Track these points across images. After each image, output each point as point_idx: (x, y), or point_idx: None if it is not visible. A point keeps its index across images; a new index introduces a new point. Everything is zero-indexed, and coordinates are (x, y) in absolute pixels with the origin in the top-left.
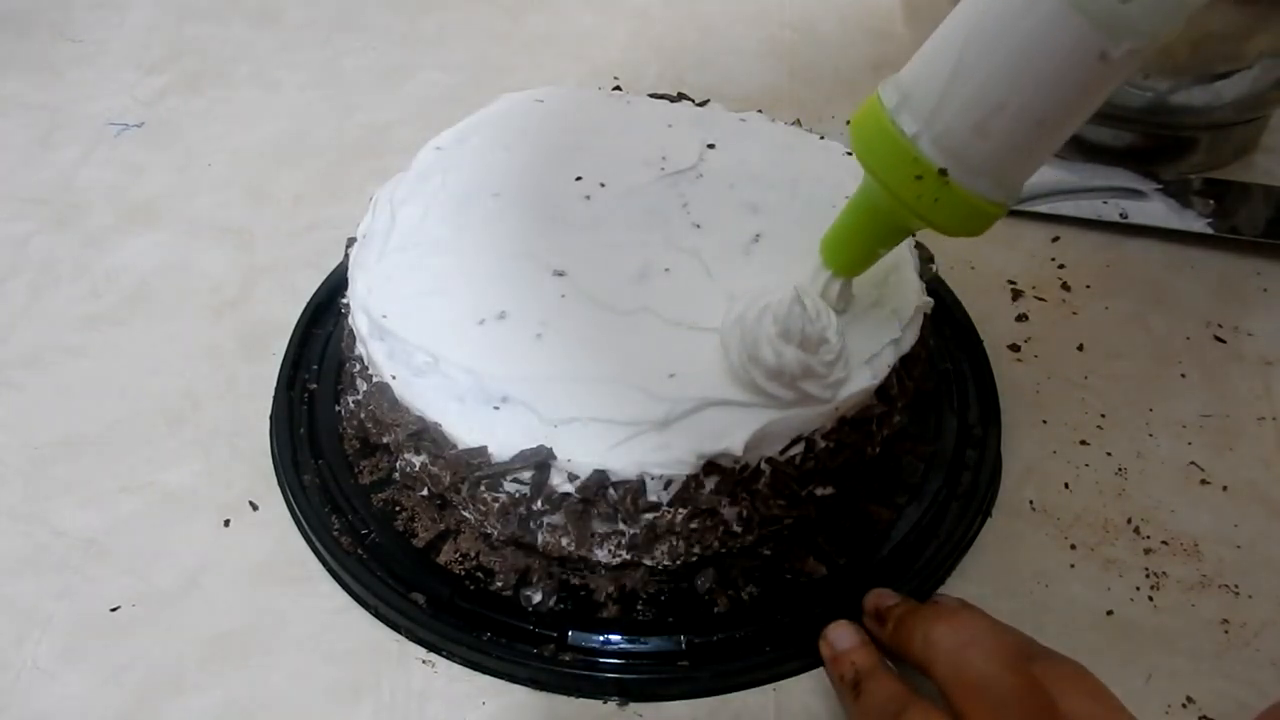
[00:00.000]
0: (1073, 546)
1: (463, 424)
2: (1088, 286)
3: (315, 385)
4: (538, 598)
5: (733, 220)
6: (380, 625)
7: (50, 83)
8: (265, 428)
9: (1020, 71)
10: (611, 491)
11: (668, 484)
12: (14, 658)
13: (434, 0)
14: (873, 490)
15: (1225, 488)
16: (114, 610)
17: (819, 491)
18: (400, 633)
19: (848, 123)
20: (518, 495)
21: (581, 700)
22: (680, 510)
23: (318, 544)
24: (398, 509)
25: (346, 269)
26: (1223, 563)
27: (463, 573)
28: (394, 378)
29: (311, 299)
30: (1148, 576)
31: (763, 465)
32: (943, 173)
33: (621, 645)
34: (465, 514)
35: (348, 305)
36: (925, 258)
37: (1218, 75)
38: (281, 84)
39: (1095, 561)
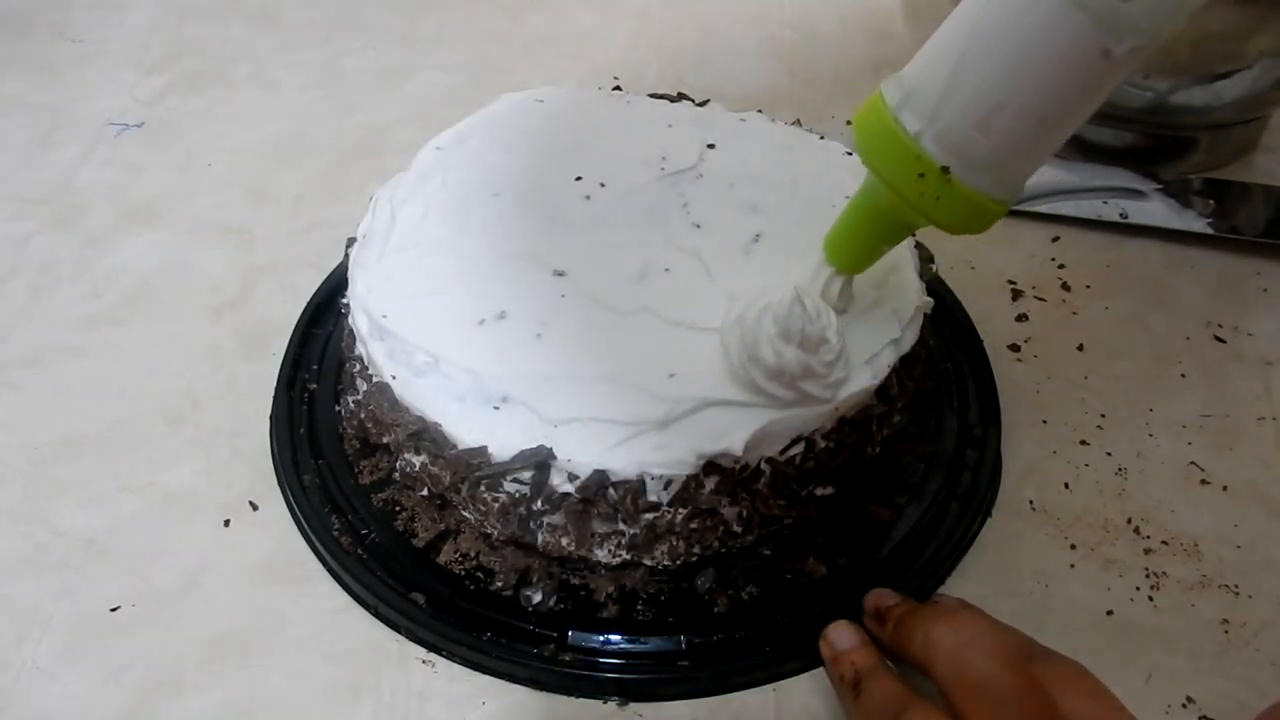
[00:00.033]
0: (1073, 546)
1: (463, 424)
2: (1088, 286)
3: (315, 385)
4: (538, 598)
5: (733, 220)
6: (380, 625)
7: (50, 83)
8: (265, 428)
9: (1021, 69)
10: (611, 491)
11: (668, 484)
12: (14, 658)
13: (434, 0)
14: (873, 490)
15: (1225, 488)
16: (114, 610)
17: (819, 491)
18: (400, 633)
19: (848, 122)
20: (518, 495)
21: (581, 700)
22: (680, 510)
23: (318, 544)
24: (398, 509)
25: (346, 269)
26: (1223, 563)
27: (463, 573)
28: (394, 378)
29: (311, 299)
30: (1148, 576)
31: (763, 465)
32: (945, 170)
33: (621, 645)
34: (465, 514)
35: (348, 305)
36: (925, 258)
37: (1218, 75)
38: (281, 84)
39: (1095, 561)
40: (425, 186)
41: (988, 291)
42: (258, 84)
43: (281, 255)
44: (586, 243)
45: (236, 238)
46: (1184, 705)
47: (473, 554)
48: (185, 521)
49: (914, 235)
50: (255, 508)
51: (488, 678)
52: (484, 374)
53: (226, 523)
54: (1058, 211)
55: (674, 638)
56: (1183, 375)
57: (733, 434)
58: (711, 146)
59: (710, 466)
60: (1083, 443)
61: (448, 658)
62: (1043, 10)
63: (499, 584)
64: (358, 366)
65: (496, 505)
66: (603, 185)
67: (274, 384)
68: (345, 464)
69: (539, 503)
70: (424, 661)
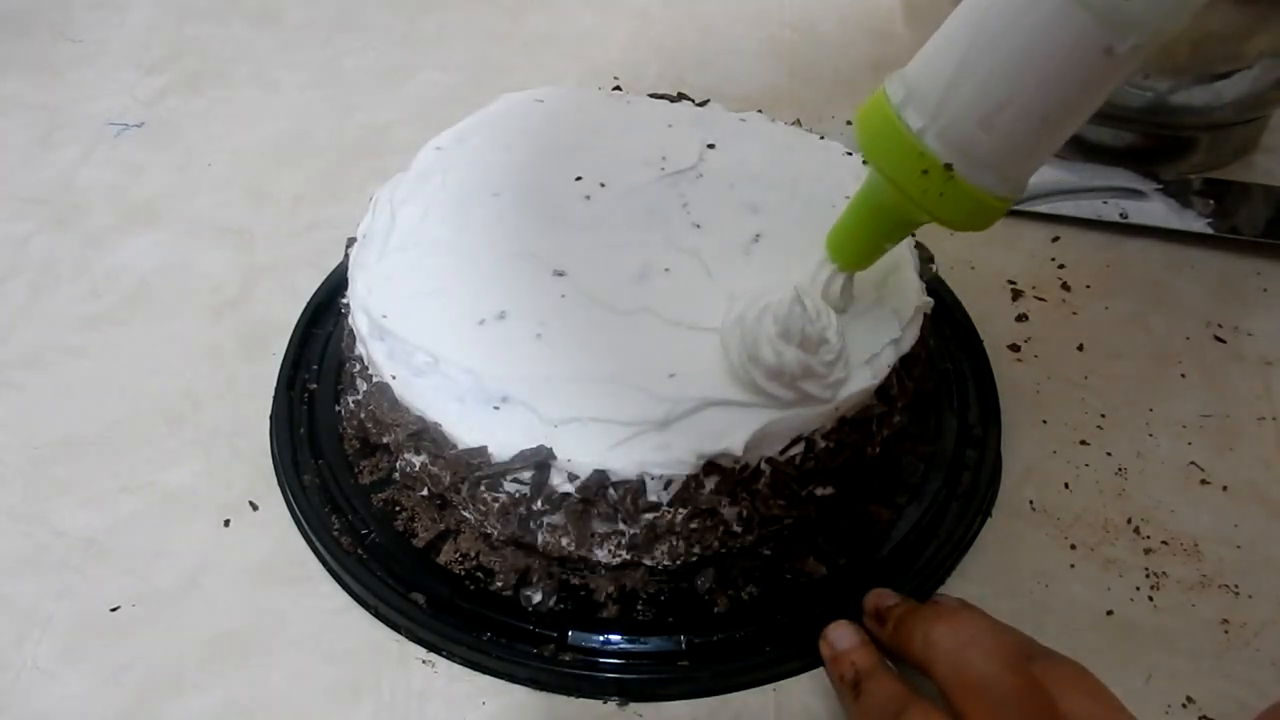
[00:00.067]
0: (1073, 546)
1: (463, 424)
2: (1088, 286)
3: (315, 385)
4: (538, 598)
5: (733, 220)
6: (380, 625)
7: (50, 83)
8: (265, 428)
9: (1024, 67)
10: (611, 491)
11: (668, 484)
12: (14, 658)
13: (434, 0)
14: (873, 490)
15: (1225, 488)
16: (114, 610)
17: (819, 491)
18: (400, 633)
19: (848, 123)
20: (518, 495)
21: (581, 700)
22: (680, 510)
23: (318, 544)
24: (398, 509)
25: (346, 269)
26: (1223, 563)
27: (463, 573)
28: (394, 378)
29: (311, 299)
30: (1148, 576)
31: (763, 465)
32: (948, 167)
33: (621, 645)
34: (465, 514)
35: (348, 305)
36: (925, 258)
37: (1218, 75)
38: (281, 84)
39: (1095, 561)
40: (425, 186)
41: (988, 291)
42: (258, 84)
43: (281, 255)
44: (586, 243)
45: (236, 238)
46: (1184, 705)
47: (473, 554)
48: (185, 521)
49: (914, 235)
50: (255, 508)
51: (488, 678)
52: (484, 374)
53: (226, 523)
54: (1058, 211)
55: (674, 638)
56: (1183, 375)
57: (733, 434)
58: (711, 146)
59: (710, 466)
60: (1083, 443)
61: (448, 658)
62: (1045, 8)
63: (499, 584)
64: (358, 366)
65: (496, 505)
66: (603, 185)
67: (274, 384)
68: (345, 464)
69: (539, 503)
70: (424, 661)
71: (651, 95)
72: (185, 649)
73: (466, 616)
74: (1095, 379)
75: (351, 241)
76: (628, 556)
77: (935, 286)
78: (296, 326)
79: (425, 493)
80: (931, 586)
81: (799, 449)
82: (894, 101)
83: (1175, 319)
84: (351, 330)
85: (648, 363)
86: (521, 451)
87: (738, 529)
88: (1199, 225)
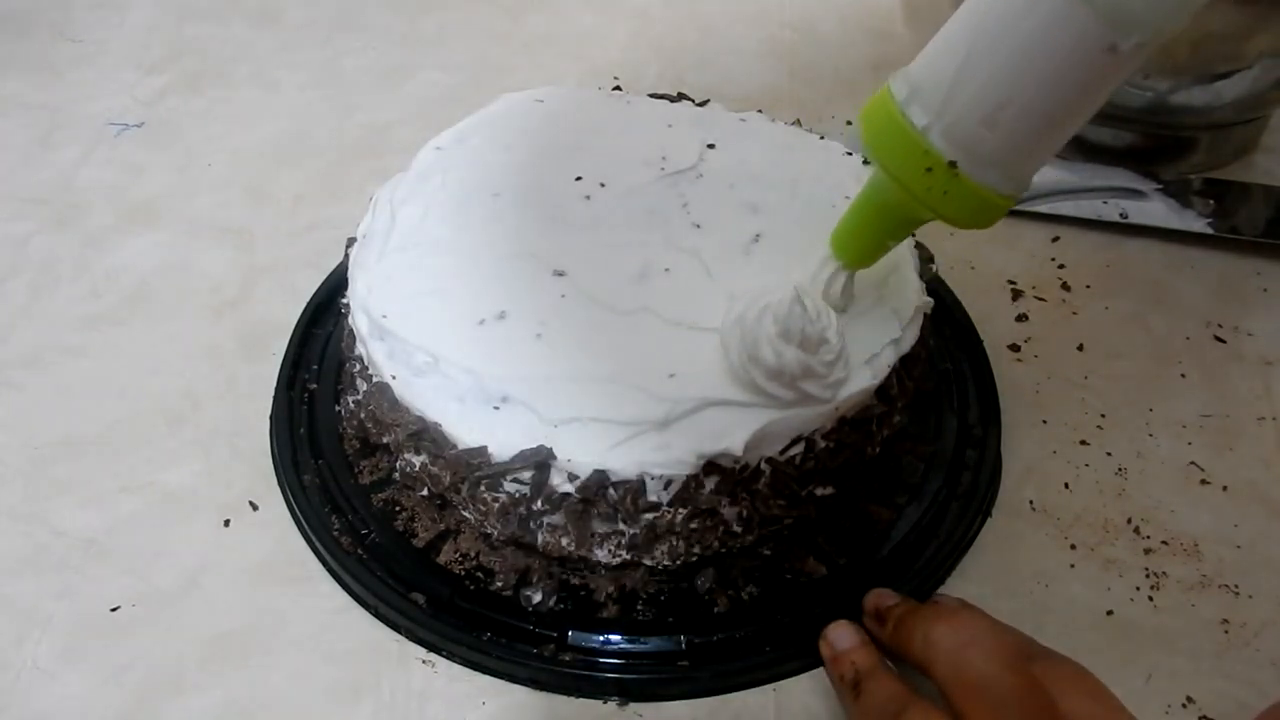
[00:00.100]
0: (1073, 546)
1: (463, 424)
2: (1088, 286)
3: (315, 385)
4: (538, 598)
5: (733, 220)
6: (380, 625)
7: (50, 83)
8: (265, 428)
9: (1027, 65)
10: (611, 491)
11: (668, 484)
12: (14, 658)
13: (434, 0)
14: (873, 490)
15: (1225, 488)
16: (114, 610)
17: (819, 491)
18: (400, 633)
19: (848, 122)
20: (518, 495)
21: (581, 700)
22: (680, 510)
23: (318, 544)
24: (398, 509)
25: (346, 269)
26: (1223, 563)
27: (463, 573)
28: (394, 378)
29: (311, 299)
30: (1148, 576)
31: (763, 465)
32: (952, 165)
33: (621, 645)
34: (465, 514)
35: (348, 305)
36: (925, 258)
37: (1218, 75)
38: (281, 84)
39: (1095, 561)
40: (425, 186)
41: (988, 291)
42: (258, 84)
43: (281, 255)
44: (586, 243)
45: (236, 238)
46: (1184, 705)
47: (473, 554)
48: (185, 521)
49: (914, 235)
50: (255, 508)
51: (488, 678)
52: (484, 374)
53: (226, 523)
54: (1058, 211)
55: (674, 638)
56: (1183, 375)
57: (733, 434)
58: (711, 146)
59: (710, 466)
60: (1083, 443)
61: (448, 658)
62: (1047, 7)
63: (499, 584)
64: (358, 366)
65: (496, 505)
66: (603, 185)
67: (274, 384)
68: (345, 464)
69: (539, 503)
70: (424, 661)
71: (651, 95)
72: (185, 649)
73: (466, 616)
74: (1095, 379)
75: (351, 241)
76: (628, 556)
77: (935, 286)
78: (296, 326)
79: (425, 493)
80: (931, 586)
81: (799, 449)
82: (898, 99)
83: (1175, 319)
84: (351, 330)
85: (648, 363)
86: (521, 451)
87: (738, 529)
88: (1199, 225)
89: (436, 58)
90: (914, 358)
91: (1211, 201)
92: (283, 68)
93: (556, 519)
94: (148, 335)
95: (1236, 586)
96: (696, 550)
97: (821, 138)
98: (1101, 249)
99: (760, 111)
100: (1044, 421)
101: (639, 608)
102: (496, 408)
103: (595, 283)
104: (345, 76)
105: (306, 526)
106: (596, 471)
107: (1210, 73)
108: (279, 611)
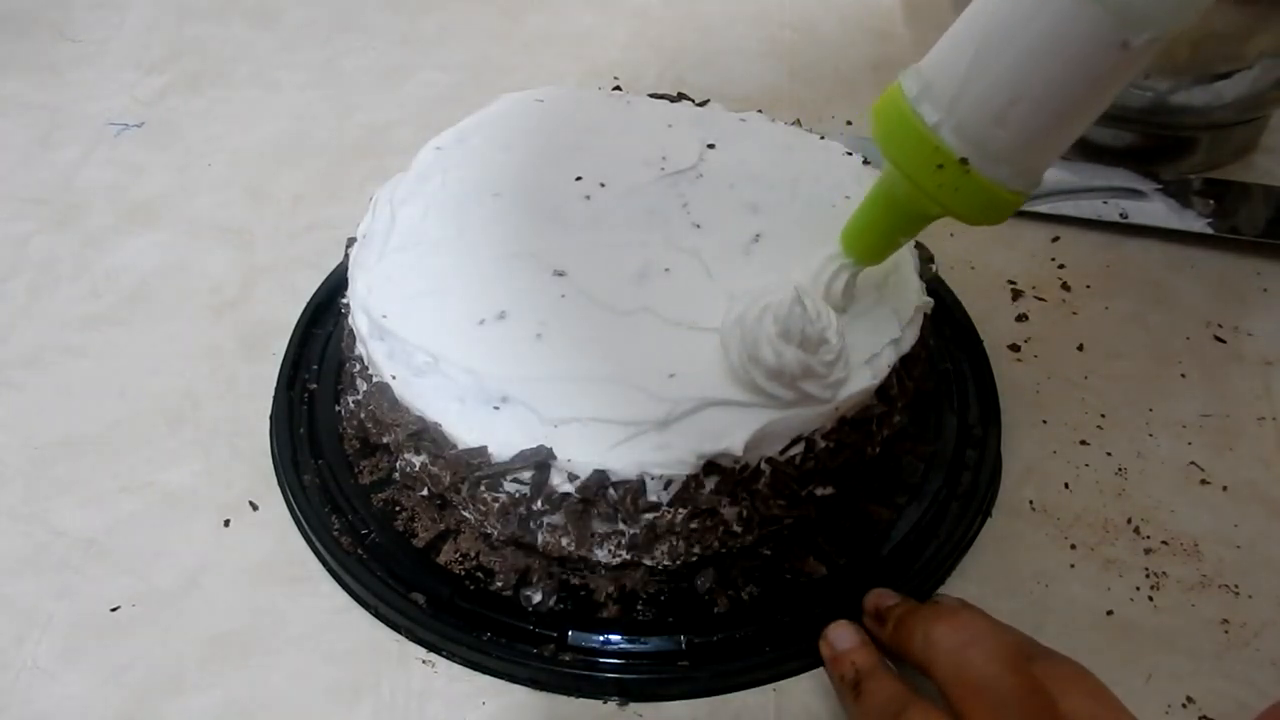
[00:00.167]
0: (1073, 546)
1: (463, 424)
2: (1088, 286)
3: (315, 385)
4: (538, 598)
5: (733, 220)
6: (380, 625)
7: (50, 83)
8: (265, 428)
9: (1038, 62)
10: (611, 491)
11: (668, 484)
12: (14, 658)
13: (434, 0)
14: (873, 490)
15: (1225, 488)
16: (114, 610)
17: (819, 491)
18: (400, 633)
19: (848, 122)
20: (518, 495)
21: (581, 700)
22: (680, 510)
23: (318, 544)
24: (398, 509)
25: (346, 269)
26: (1223, 563)
27: (463, 573)
28: (394, 378)
29: (311, 299)
30: (1148, 576)
31: (763, 465)
32: (964, 162)
33: (621, 645)
34: (465, 514)
35: (348, 305)
36: (925, 258)
37: (1218, 75)
38: (281, 84)
39: (1095, 561)
40: (425, 186)
41: (988, 291)
42: (258, 84)
43: (281, 255)
44: (586, 243)
45: (236, 238)
46: (1184, 705)
47: (473, 554)
48: (185, 521)
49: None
50: (255, 508)
51: (488, 678)
52: (484, 374)
53: (226, 523)
54: (1058, 211)
55: (674, 638)
56: (1183, 375)
57: (733, 434)
58: (711, 146)
59: (710, 466)
60: (1083, 443)
61: (448, 658)
62: (1059, 3)
63: (499, 584)
64: (358, 366)
65: (496, 505)
66: (603, 185)
67: (274, 384)
68: (345, 464)
69: (539, 503)
70: (424, 661)
71: (651, 95)
72: (185, 649)
73: (466, 616)
74: (1095, 379)
75: (351, 241)
76: (628, 556)
77: (935, 286)
78: (296, 326)
79: (425, 493)
80: (931, 586)
81: (799, 449)
82: (909, 96)
83: (1175, 319)
84: (351, 330)
85: (648, 363)
86: (521, 451)
87: (738, 529)
88: (1199, 225)
89: (436, 58)
90: (914, 358)
91: (1211, 201)
92: (282, 68)
93: (556, 519)
94: (148, 335)
95: (1236, 586)
96: (696, 550)
97: (821, 138)
98: (1101, 249)
99: (760, 111)
100: (1044, 421)
101: (639, 608)
102: (496, 408)
103: (595, 283)
104: (345, 76)
105: (306, 526)
106: (596, 471)
107: (1210, 73)
108: (279, 611)
